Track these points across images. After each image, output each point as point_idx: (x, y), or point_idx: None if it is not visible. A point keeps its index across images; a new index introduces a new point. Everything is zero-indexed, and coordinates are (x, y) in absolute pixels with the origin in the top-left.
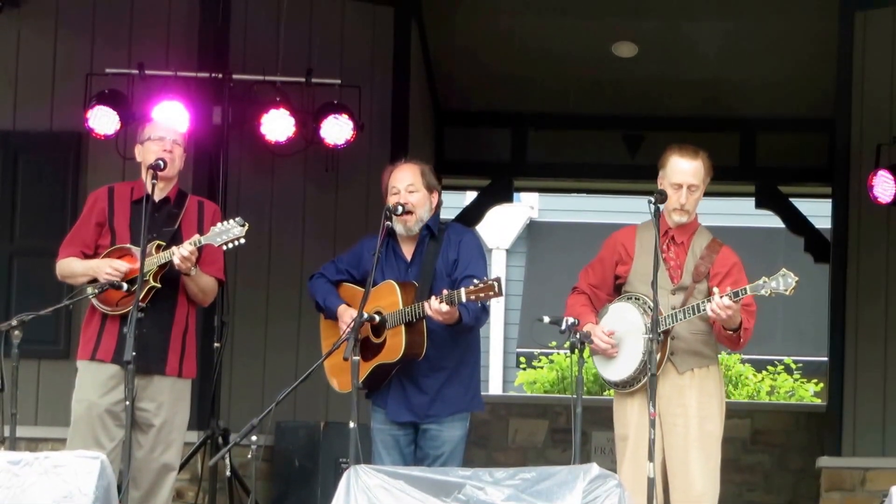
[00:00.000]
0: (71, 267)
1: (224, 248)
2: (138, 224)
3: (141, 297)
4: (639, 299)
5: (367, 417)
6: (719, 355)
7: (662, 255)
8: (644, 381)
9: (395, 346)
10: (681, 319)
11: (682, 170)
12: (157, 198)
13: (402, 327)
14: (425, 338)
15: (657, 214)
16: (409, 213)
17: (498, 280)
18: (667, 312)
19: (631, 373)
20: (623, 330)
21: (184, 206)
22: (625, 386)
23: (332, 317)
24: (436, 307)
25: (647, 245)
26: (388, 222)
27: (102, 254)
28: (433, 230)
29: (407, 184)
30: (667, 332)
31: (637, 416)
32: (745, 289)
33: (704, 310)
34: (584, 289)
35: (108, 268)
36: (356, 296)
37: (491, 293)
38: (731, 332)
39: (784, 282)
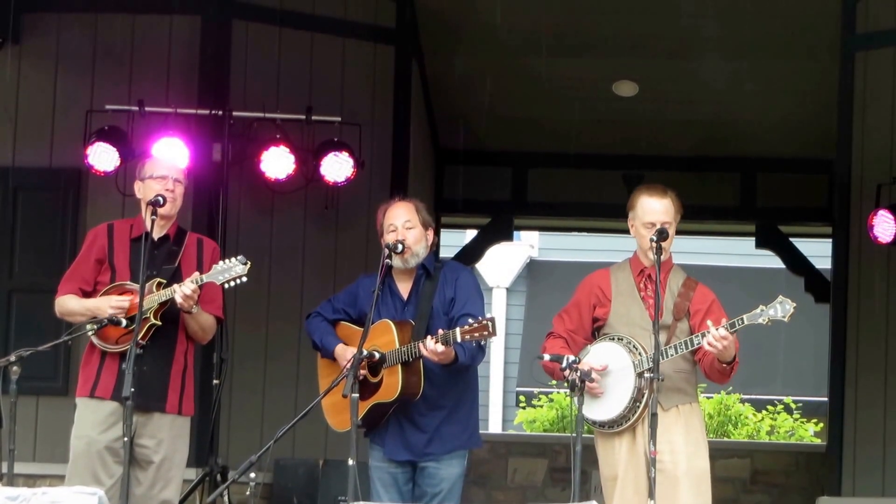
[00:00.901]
0: (69, 305)
1: (226, 286)
2: (138, 261)
3: (141, 335)
4: (622, 339)
5: (366, 455)
6: (718, 394)
7: (640, 293)
8: (633, 421)
9: (391, 385)
10: (672, 356)
11: (654, 209)
12: (156, 235)
13: (399, 367)
14: (422, 377)
15: (659, 252)
16: (407, 248)
17: (492, 320)
18: (651, 352)
19: (620, 411)
20: (608, 370)
21: (183, 244)
22: (612, 426)
23: (330, 356)
24: (431, 347)
25: (624, 286)
26: (388, 260)
27: (101, 291)
28: (429, 269)
29: (404, 220)
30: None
31: (626, 455)
32: (742, 318)
33: (699, 343)
34: (561, 333)
35: (109, 308)
36: (353, 335)
37: (486, 333)
38: (724, 365)
39: (782, 308)
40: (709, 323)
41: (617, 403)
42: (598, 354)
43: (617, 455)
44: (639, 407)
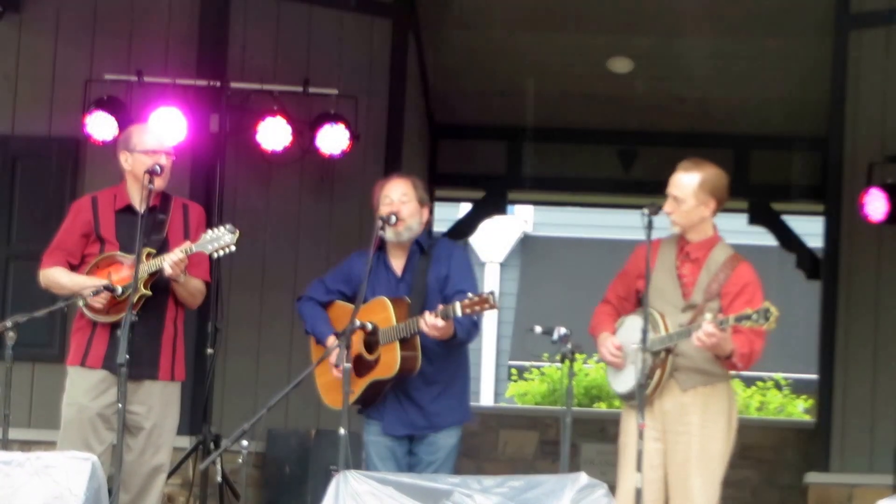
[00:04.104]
0: (60, 279)
1: (214, 255)
2: (124, 232)
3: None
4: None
5: (357, 425)
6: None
7: (677, 271)
8: (643, 396)
9: (390, 362)
10: (675, 341)
11: (671, 180)
12: (143, 207)
13: (397, 343)
14: (419, 353)
15: (650, 226)
16: (401, 220)
17: (493, 293)
18: (673, 330)
19: (633, 385)
20: (631, 344)
21: (169, 210)
22: (629, 398)
23: (322, 344)
24: (431, 322)
25: (666, 261)
26: (381, 232)
27: (91, 262)
28: (423, 246)
29: (400, 193)
30: (668, 350)
31: (634, 427)
32: (728, 318)
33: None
34: (612, 299)
35: (90, 294)
36: (347, 313)
37: (486, 305)
38: (723, 358)
39: (764, 316)
40: (706, 315)
41: (632, 377)
42: (627, 327)
43: (628, 427)
44: (650, 383)
